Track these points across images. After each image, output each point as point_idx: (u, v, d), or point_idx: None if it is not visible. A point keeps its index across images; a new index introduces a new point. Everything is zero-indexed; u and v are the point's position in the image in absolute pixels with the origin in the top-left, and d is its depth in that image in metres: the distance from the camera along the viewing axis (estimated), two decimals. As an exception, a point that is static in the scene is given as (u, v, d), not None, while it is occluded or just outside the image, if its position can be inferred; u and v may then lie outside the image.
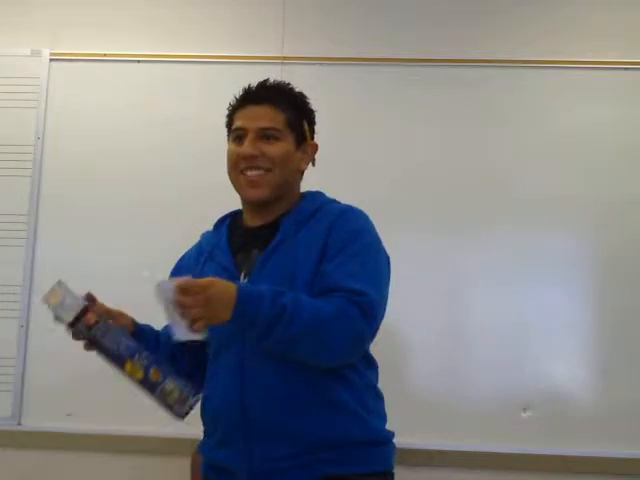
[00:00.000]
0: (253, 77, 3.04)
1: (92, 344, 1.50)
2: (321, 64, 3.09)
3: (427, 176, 3.02)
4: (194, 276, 1.72)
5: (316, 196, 1.92)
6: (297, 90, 1.93)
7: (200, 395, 1.59)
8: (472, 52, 3.07)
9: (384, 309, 1.76)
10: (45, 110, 3.12)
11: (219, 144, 3.04)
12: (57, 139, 3.12)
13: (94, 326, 1.43)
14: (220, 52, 3.13)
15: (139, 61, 3.15)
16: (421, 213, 2.98)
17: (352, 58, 3.08)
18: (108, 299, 2.97)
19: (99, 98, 3.13)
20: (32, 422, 2.98)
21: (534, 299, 2.91)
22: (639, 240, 2.94)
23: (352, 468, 1.71)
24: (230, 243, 1.87)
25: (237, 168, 1.84)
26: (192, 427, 2.84)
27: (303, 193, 1.93)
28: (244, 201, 1.90)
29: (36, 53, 3.14)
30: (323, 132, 3.04)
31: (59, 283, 1.49)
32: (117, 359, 1.48)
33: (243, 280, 1.76)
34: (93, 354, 2.92)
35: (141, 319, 2.93)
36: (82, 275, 3.00)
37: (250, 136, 1.81)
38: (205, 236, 1.99)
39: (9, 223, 3.06)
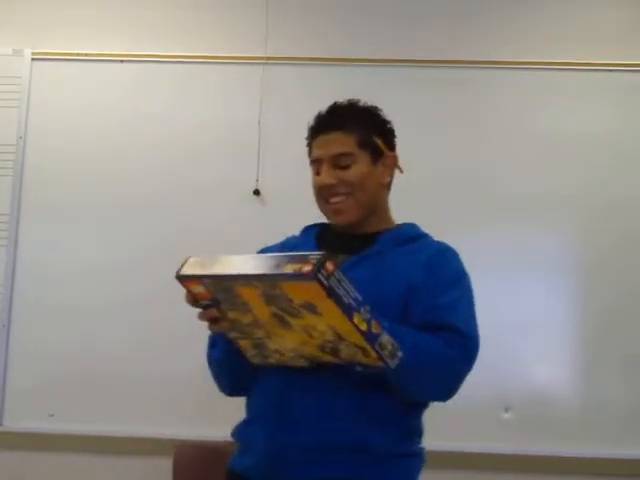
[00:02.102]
0: (236, 77, 3.11)
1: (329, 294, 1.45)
2: (304, 64, 3.09)
3: (411, 177, 2.99)
4: None
5: (413, 226, 1.97)
6: (366, 105, 1.93)
7: (402, 354, 1.55)
8: (456, 53, 3.08)
9: None
10: (27, 109, 3.11)
11: (202, 143, 3.08)
12: (39, 138, 3.11)
13: (331, 275, 1.40)
14: (204, 52, 3.13)
15: (122, 61, 3.14)
16: (405, 214, 2.95)
17: (335, 58, 3.08)
18: (91, 298, 3.00)
19: (81, 98, 3.13)
20: (14, 422, 2.97)
21: (517, 300, 2.92)
22: (623, 241, 2.96)
23: (372, 473, 1.72)
24: (318, 243, 1.89)
25: (321, 198, 1.86)
26: (173, 427, 2.89)
27: (400, 224, 1.96)
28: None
29: (18, 53, 3.13)
30: (305, 132, 3.07)
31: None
32: (347, 309, 1.44)
33: None
34: (75, 355, 2.94)
35: (125, 316, 2.97)
36: (64, 275, 3.02)
37: (325, 166, 1.83)
38: (290, 238, 2.00)
39: (-10, 223, 3.05)
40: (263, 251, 1.98)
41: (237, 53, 3.11)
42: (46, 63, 3.14)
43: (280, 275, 1.44)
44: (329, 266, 1.41)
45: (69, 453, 2.92)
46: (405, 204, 2.95)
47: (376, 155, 1.88)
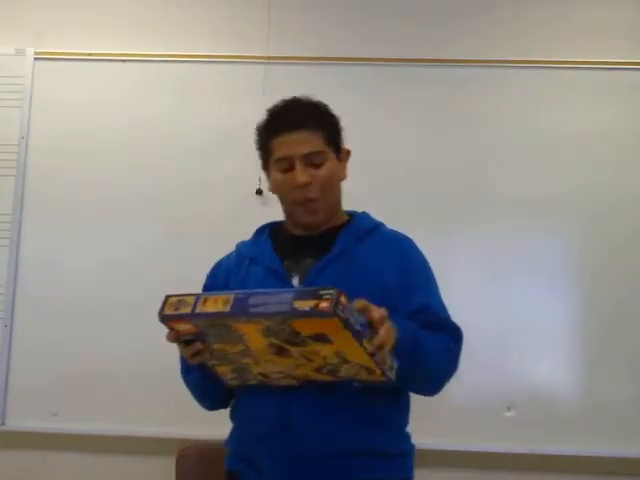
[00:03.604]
0: (238, 76, 3.11)
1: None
2: (306, 64, 3.09)
3: (411, 176, 3.02)
4: (238, 281, 1.82)
5: (366, 216, 1.97)
6: (320, 102, 1.93)
7: (397, 364, 1.62)
8: (457, 52, 3.08)
9: None
10: (29, 109, 3.11)
11: (204, 142, 3.08)
12: (41, 138, 3.11)
13: (345, 307, 1.45)
14: (205, 51, 3.13)
15: (124, 60, 3.14)
16: (404, 213, 2.97)
17: (336, 58, 3.08)
18: (93, 297, 3.00)
19: (84, 97, 3.13)
20: (17, 422, 2.97)
21: (518, 299, 2.92)
22: (625, 241, 2.96)
23: (379, 475, 1.75)
24: (276, 250, 1.89)
25: (293, 197, 1.86)
26: (176, 427, 2.89)
27: (350, 212, 1.97)
28: (299, 224, 1.91)
29: (20, 52, 3.13)
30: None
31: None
32: (358, 336, 1.49)
33: (298, 285, 1.78)
34: (78, 354, 2.94)
35: (128, 315, 2.97)
36: (66, 274, 3.02)
37: (298, 164, 1.82)
38: (242, 245, 2.01)
39: (-7, 222, 3.06)
40: (218, 266, 2.01)
41: (239, 52, 3.11)
42: (48, 63, 3.14)
43: (294, 313, 1.47)
44: (343, 300, 1.45)
45: (72, 452, 2.92)
46: (405, 204, 2.99)
47: (338, 152, 1.90)
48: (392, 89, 3.07)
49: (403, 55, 3.09)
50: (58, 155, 3.10)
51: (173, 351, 2.94)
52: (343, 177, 1.92)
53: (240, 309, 1.52)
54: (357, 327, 1.48)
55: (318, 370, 1.61)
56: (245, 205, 3.01)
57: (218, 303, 1.56)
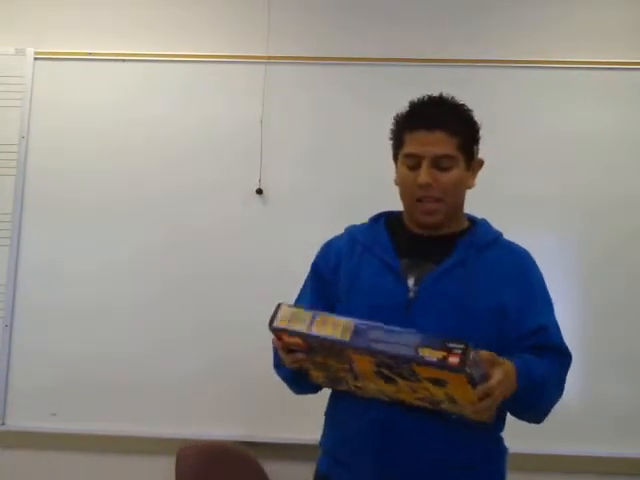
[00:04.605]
0: (239, 76, 3.11)
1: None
2: (306, 63, 3.09)
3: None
4: (350, 267, 1.81)
5: (487, 225, 1.95)
6: (465, 106, 1.90)
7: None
8: (458, 52, 3.07)
9: None
10: (29, 109, 3.11)
11: (204, 142, 3.08)
12: (41, 138, 3.11)
13: (472, 362, 1.47)
14: (206, 51, 3.13)
15: (124, 60, 3.14)
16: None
17: (337, 58, 3.08)
18: (93, 297, 3.00)
19: (84, 97, 3.12)
20: (16, 422, 2.97)
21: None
22: (623, 241, 2.96)
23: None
24: (393, 241, 1.87)
25: (412, 194, 1.83)
26: (176, 427, 2.89)
27: (470, 216, 1.96)
28: (416, 222, 1.88)
29: (20, 52, 3.13)
30: (308, 131, 3.07)
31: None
32: (474, 383, 1.48)
33: (413, 288, 1.76)
34: (78, 354, 2.94)
35: (128, 316, 2.97)
36: (66, 274, 3.02)
37: (425, 164, 1.78)
38: (355, 229, 1.96)
39: (-7, 222, 3.06)
40: (329, 246, 1.97)
41: (239, 52, 3.10)
42: (48, 63, 3.14)
43: (419, 360, 1.46)
44: (471, 355, 1.44)
45: (71, 452, 2.92)
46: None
47: (470, 160, 1.86)
48: (393, 89, 3.06)
49: (403, 55, 3.08)
50: (58, 155, 3.09)
51: (173, 351, 2.96)
52: (470, 186, 1.89)
53: (360, 341, 1.50)
54: (477, 379, 1.48)
55: (420, 400, 1.61)
56: (245, 205, 3.01)
57: (337, 328, 1.54)
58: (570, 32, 3.08)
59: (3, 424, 2.96)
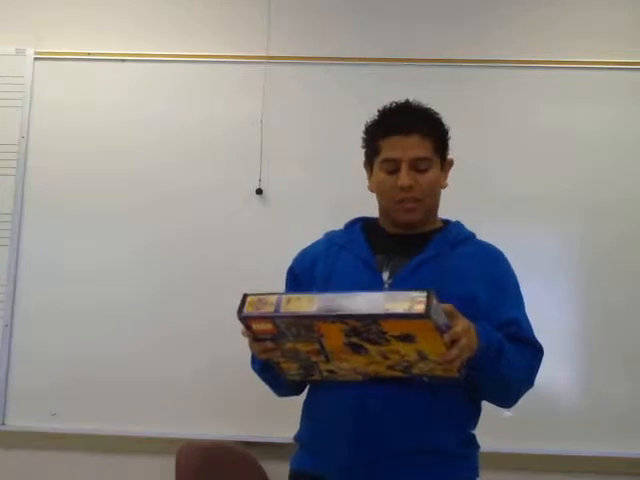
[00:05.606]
0: (238, 76, 3.11)
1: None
2: (306, 63, 3.09)
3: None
4: (326, 265, 1.88)
5: (460, 225, 2.02)
6: (433, 110, 1.96)
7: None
8: (457, 52, 3.08)
9: None
10: (29, 109, 3.11)
11: (204, 142, 3.09)
12: (41, 138, 3.11)
13: (436, 308, 1.50)
14: (205, 51, 3.13)
15: (124, 60, 3.14)
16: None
17: (337, 57, 3.08)
18: (93, 297, 3.00)
19: (84, 97, 3.13)
20: (16, 422, 2.97)
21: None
22: (623, 240, 2.96)
23: (448, 473, 1.79)
24: (369, 242, 1.93)
25: (393, 197, 1.89)
26: (176, 427, 2.89)
27: (443, 219, 2.02)
28: (396, 222, 1.94)
29: (20, 52, 3.13)
30: (308, 131, 3.08)
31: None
32: (441, 332, 1.52)
33: (387, 281, 1.82)
34: (78, 354, 2.94)
35: (128, 316, 2.97)
36: (66, 274, 3.02)
37: (404, 167, 1.85)
38: (333, 233, 2.03)
39: (-7, 222, 3.06)
40: (304, 253, 2.03)
41: (239, 52, 3.11)
42: (48, 63, 3.14)
43: (386, 315, 1.49)
44: (434, 302, 1.48)
45: (72, 452, 2.92)
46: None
47: (444, 161, 1.94)
48: (394, 89, 3.02)
49: (403, 55, 3.08)
50: (58, 155, 3.10)
51: (173, 351, 2.96)
52: (444, 185, 1.96)
53: (327, 309, 1.53)
54: (443, 326, 1.52)
55: (390, 367, 1.63)
56: (245, 205, 3.01)
57: (302, 303, 1.57)
58: (570, 32, 3.08)
59: (3, 424, 2.96)
